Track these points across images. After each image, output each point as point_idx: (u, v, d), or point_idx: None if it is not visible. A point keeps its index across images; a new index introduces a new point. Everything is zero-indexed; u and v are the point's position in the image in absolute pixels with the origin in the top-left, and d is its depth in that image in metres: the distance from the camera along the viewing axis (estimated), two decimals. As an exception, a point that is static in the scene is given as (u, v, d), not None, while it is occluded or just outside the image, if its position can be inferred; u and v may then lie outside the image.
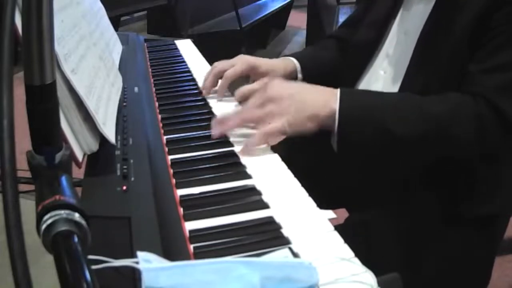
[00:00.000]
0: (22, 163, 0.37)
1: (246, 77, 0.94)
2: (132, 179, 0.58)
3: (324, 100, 0.71)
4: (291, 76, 0.97)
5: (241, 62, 0.92)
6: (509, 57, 0.70)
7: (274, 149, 0.72)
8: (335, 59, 1.03)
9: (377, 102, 0.73)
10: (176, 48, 1.32)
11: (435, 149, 0.73)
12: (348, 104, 0.71)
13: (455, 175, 0.76)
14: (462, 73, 0.73)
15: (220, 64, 0.93)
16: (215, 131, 0.73)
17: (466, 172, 0.76)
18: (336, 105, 0.70)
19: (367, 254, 0.49)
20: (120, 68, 0.95)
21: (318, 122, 0.71)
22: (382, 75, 0.87)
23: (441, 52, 0.75)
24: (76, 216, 0.34)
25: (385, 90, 0.85)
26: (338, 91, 0.72)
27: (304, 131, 0.71)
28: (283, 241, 0.50)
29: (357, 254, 0.48)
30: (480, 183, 0.77)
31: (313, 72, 0.99)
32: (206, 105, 0.89)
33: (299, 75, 0.98)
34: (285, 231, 0.52)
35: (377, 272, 0.45)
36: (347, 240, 0.50)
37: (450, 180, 0.76)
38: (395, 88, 0.81)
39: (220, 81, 0.93)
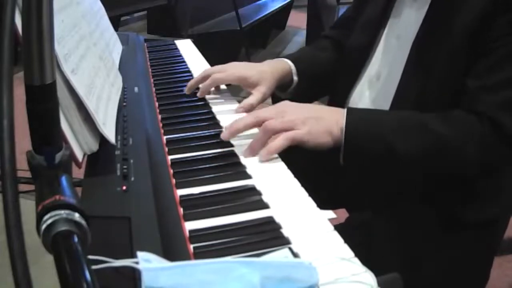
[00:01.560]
0: (22, 163, 0.37)
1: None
2: (132, 179, 0.58)
3: (335, 117, 0.72)
4: (285, 80, 0.95)
5: (231, 71, 0.90)
6: (507, 74, 0.69)
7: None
8: (332, 60, 1.02)
9: (383, 120, 0.73)
10: (176, 48, 1.32)
11: (438, 167, 0.73)
12: (353, 121, 0.71)
13: (455, 184, 0.76)
14: (460, 79, 0.72)
15: (212, 69, 0.92)
16: (249, 153, 0.70)
17: (466, 181, 0.76)
18: (343, 122, 0.71)
19: (367, 254, 0.49)
20: (120, 68, 0.95)
21: (331, 138, 0.71)
22: (375, 81, 0.87)
23: (438, 57, 0.74)
24: (76, 216, 0.34)
25: (379, 95, 0.85)
26: (345, 110, 0.73)
27: (322, 144, 0.71)
28: (283, 241, 0.50)
29: (357, 254, 0.48)
30: (480, 192, 0.77)
31: (310, 74, 0.97)
32: (206, 105, 0.89)
33: (295, 77, 0.95)
34: (285, 231, 0.52)
35: (377, 272, 0.45)
36: (347, 240, 0.50)
37: (450, 188, 0.76)
38: (389, 93, 0.81)
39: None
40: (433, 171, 0.74)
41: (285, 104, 0.75)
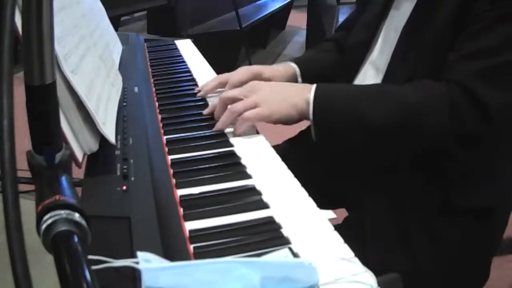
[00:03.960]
0: (22, 163, 0.37)
1: None
2: (132, 179, 0.58)
3: (302, 91, 0.76)
4: (291, 81, 0.98)
5: (244, 70, 0.94)
6: (485, 44, 0.70)
7: (274, 149, 0.72)
8: (335, 62, 1.04)
9: (351, 92, 0.77)
10: (176, 48, 1.32)
11: (410, 136, 0.74)
12: (323, 94, 0.75)
13: (444, 165, 0.76)
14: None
15: (224, 75, 0.95)
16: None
17: (454, 161, 0.76)
18: (311, 95, 0.74)
19: (366, 252, 0.49)
20: (120, 68, 0.95)
21: (297, 111, 0.75)
22: (375, 72, 0.88)
23: (424, 43, 0.76)
24: (76, 216, 0.34)
25: None
26: (314, 84, 0.76)
27: (286, 117, 0.75)
28: (283, 241, 0.50)
29: (356, 253, 0.48)
30: (471, 174, 0.77)
31: (313, 76, 1.00)
32: (206, 105, 0.89)
33: (299, 79, 0.99)
34: (285, 231, 0.52)
35: (376, 270, 0.45)
36: (346, 240, 0.50)
37: (440, 170, 0.77)
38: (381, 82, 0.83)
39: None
40: (405, 140, 0.75)
41: (253, 84, 0.80)
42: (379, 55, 0.88)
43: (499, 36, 0.69)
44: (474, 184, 0.77)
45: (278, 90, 0.78)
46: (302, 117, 0.76)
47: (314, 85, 0.76)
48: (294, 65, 1.00)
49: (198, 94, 0.94)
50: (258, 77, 0.93)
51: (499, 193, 0.81)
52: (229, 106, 0.77)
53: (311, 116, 0.74)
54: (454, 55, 0.72)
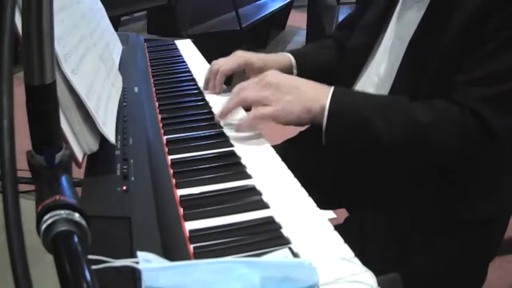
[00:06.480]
0: (22, 163, 0.37)
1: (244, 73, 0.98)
2: (132, 179, 0.58)
3: (317, 95, 0.74)
4: (285, 72, 0.97)
5: (236, 57, 0.95)
6: (496, 69, 0.69)
7: (274, 149, 0.72)
8: (333, 59, 1.03)
9: (365, 102, 0.75)
10: (176, 48, 1.32)
11: (416, 155, 0.74)
12: (338, 102, 0.73)
13: (445, 178, 0.76)
14: (452, 80, 0.73)
15: (215, 66, 0.96)
16: (217, 117, 0.78)
17: (456, 176, 0.76)
18: (326, 102, 0.72)
19: (365, 252, 0.49)
20: (120, 68, 0.95)
21: (310, 115, 0.73)
22: (376, 80, 0.87)
23: (431, 57, 0.74)
24: (76, 216, 0.34)
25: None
26: (331, 89, 0.74)
27: (297, 122, 0.74)
28: (283, 241, 0.50)
29: (356, 253, 0.48)
30: (472, 187, 0.77)
31: (309, 69, 1.00)
32: (206, 105, 0.89)
33: (294, 71, 0.99)
34: (285, 231, 0.52)
35: (376, 271, 0.45)
36: (347, 240, 0.50)
37: (442, 182, 0.77)
38: (388, 93, 0.82)
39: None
40: (412, 158, 0.75)
41: (271, 76, 0.77)
42: (381, 62, 0.87)
43: (510, 61, 0.69)
44: (475, 197, 0.77)
45: (294, 90, 0.74)
46: (314, 120, 0.74)
47: (331, 91, 0.74)
48: (290, 56, 0.99)
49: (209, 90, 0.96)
50: (249, 66, 0.95)
51: (499, 205, 0.81)
52: (240, 92, 0.76)
53: (324, 126, 0.72)
54: (464, 77, 0.71)
